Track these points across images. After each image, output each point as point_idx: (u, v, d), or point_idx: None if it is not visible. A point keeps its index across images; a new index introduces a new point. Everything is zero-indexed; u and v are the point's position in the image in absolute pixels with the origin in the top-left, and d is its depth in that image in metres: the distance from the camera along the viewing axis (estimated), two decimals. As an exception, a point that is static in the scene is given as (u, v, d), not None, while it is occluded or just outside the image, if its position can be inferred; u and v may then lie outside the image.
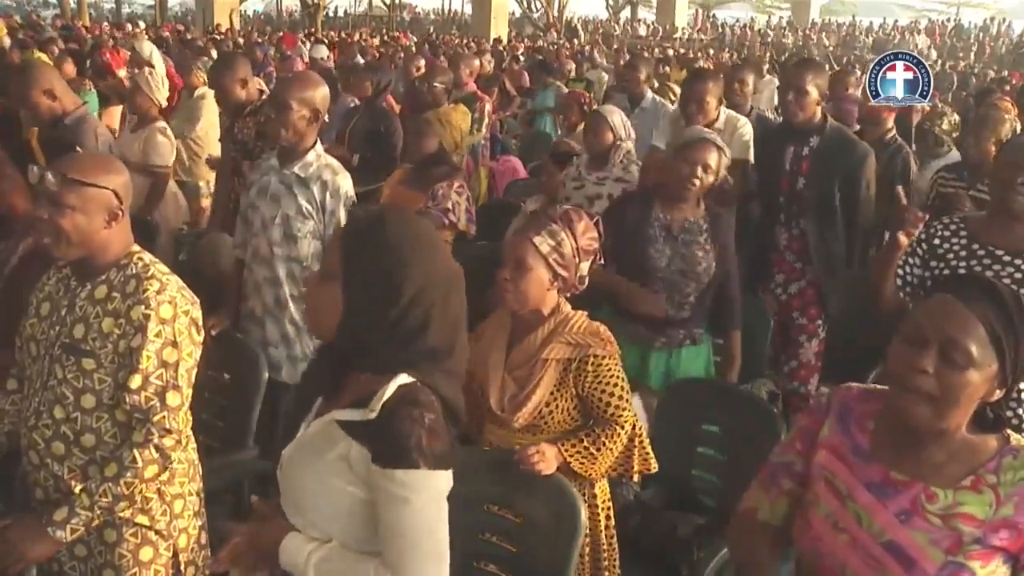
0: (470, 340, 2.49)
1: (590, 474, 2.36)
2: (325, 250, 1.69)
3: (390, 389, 1.50)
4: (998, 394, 1.49)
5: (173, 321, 2.01)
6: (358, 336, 1.55)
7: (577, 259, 2.39)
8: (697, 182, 3.16)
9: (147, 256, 2.10)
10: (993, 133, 4.24)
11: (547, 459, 2.28)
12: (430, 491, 1.51)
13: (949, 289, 1.50)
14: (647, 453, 2.45)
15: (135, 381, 1.99)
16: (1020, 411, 2.52)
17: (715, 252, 3.24)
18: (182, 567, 2.17)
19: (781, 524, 1.71)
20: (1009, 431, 1.54)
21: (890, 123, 4.94)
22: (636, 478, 2.51)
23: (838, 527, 1.58)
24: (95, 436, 2.05)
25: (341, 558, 1.56)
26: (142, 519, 2.09)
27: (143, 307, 1.99)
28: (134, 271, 2.04)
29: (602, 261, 2.56)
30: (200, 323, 2.11)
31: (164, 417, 2.01)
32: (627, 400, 2.39)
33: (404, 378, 1.52)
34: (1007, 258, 2.55)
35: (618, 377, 2.38)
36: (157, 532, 2.12)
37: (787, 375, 4.02)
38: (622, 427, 2.38)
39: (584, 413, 2.40)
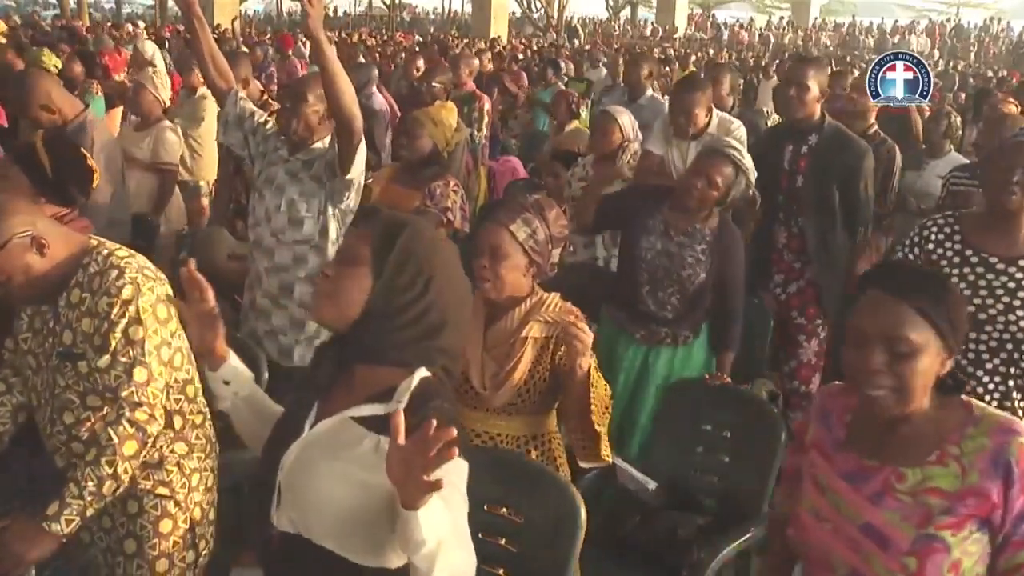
0: None
1: (593, 418, 2.32)
2: (346, 238, 1.70)
3: (415, 381, 1.55)
4: (949, 364, 1.56)
5: (135, 299, 2.05)
6: (382, 324, 1.58)
7: (550, 245, 2.45)
8: (696, 192, 3.16)
9: (106, 247, 2.13)
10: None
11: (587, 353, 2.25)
12: (461, 475, 1.52)
13: (873, 284, 1.58)
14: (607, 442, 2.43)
15: (104, 361, 2.05)
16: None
17: (712, 265, 3.22)
18: (196, 539, 2.23)
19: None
20: (971, 400, 1.61)
21: (872, 118, 4.94)
22: (606, 454, 2.42)
23: (820, 517, 1.66)
24: None
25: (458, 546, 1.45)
26: (163, 490, 2.16)
27: (106, 297, 2.04)
28: (96, 268, 2.08)
29: (571, 248, 2.58)
30: (170, 297, 2.12)
31: (132, 392, 2.04)
32: (599, 374, 2.40)
33: (424, 372, 1.57)
34: (1000, 266, 2.52)
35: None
36: (176, 503, 2.18)
37: (787, 374, 4.02)
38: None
39: (558, 392, 2.41)
